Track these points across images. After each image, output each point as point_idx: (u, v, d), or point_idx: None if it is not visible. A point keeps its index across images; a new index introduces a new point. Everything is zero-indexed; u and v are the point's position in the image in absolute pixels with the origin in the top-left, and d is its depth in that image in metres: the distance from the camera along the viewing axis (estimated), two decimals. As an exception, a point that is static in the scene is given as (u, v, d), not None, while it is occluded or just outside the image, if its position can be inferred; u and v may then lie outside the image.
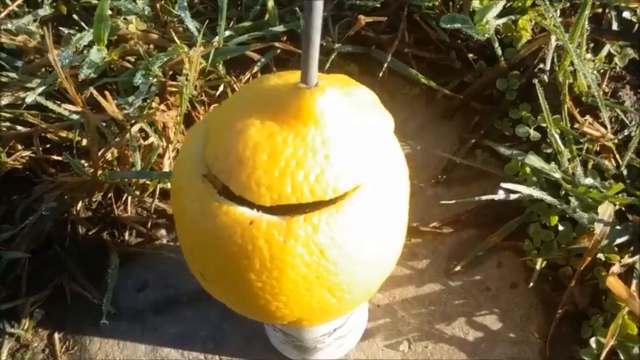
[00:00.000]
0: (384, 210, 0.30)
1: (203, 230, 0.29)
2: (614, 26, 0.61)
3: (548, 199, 0.50)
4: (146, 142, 0.56)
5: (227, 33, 0.61)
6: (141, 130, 0.56)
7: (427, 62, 0.63)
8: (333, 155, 0.28)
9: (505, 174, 0.55)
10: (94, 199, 0.56)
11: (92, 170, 0.53)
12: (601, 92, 0.54)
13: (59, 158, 0.57)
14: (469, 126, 0.60)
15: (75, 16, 0.65)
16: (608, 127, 0.54)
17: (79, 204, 0.56)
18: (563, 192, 0.52)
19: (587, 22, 0.55)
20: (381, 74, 0.61)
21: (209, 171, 0.29)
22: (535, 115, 0.56)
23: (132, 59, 0.62)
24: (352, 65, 0.64)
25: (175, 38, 0.59)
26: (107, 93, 0.52)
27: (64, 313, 0.52)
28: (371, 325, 0.51)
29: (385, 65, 0.61)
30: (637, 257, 0.48)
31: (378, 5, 0.63)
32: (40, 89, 0.57)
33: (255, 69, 0.62)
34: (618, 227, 0.49)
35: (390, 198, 0.30)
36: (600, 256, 0.49)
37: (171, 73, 0.61)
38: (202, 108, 0.61)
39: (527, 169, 0.53)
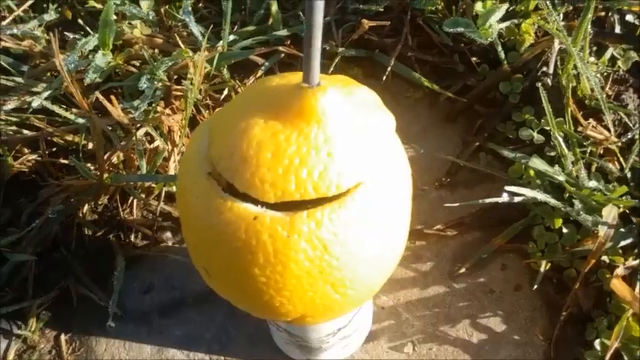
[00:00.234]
0: (386, 207, 0.30)
1: (207, 226, 0.29)
2: (617, 29, 0.61)
3: (552, 201, 0.50)
4: (152, 146, 0.57)
5: (231, 37, 0.62)
6: (146, 133, 0.56)
7: (430, 66, 0.63)
8: (335, 153, 0.28)
9: (509, 177, 0.55)
10: (100, 202, 0.57)
11: (98, 173, 0.53)
12: (604, 95, 0.54)
13: (65, 162, 0.57)
14: (472, 129, 0.60)
15: (80, 21, 0.66)
16: (612, 129, 0.54)
17: (85, 207, 0.56)
18: (567, 195, 0.52)
19: (590, 26, 0.55)
20: (384, 78, 0.61)
21: (214, 169, 0.29)
22: (538, 118, 0.56)
23: (137, 64, 0.63)
24: (356, 69, 0.65)
25: (180, 43, 0.60)
26: (113, 97, 0.53)
27: (71, 315, 0.53)
28: (375, 327, 0.51)
29: (389, 69, 0.61)
30: (641, 259, 0.49)
31: (382, 9, 0.64)
32: (46, 93, 0.57)
33: (259, 73, 0.63)
34: (622, 230, 0.50)
35: (392, 195, 0.31)
36: (604, 258, 0.49)
37: (176, 77, 0.61)
38: (207, 112, 0.61)
39: (531, 172, 0.54)
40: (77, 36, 0.64)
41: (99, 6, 0.65)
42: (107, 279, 0.53)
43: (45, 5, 0.67)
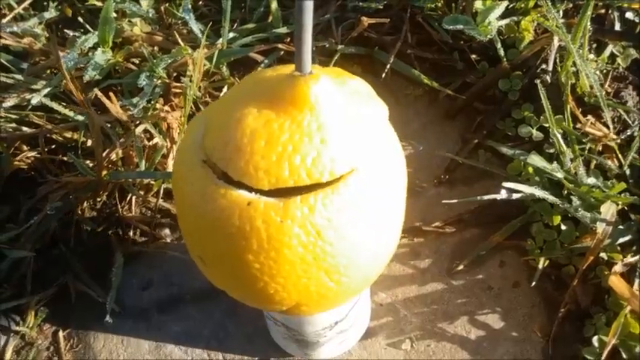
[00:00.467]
0: (380, 194, 0.31)
1: (202, 213, 0.30)
2: (617, 27, 0.61)
3: (551, 198, 0.50)
4: (150, 143, 0.57)
5: (231, 35, 0.62)
6: (145, 130, 0.56)
7: (430, 63, 0.64)
8: (328, 139, 0.29)
9: (508, 174, 0.55)
10: (98, 199, 0.57)
11: (97, 170, 0.53)
12: (603, 92, 0.55)
13: (64, 159, 0.57)
14: (472, 126, 0.60)
15: (80, 19, 0.66)
16: (611, 127, 0.54)
17: (84, 204, 0.57)
18: (566, 192, 0.52)
19: (589, 23, 0.55)
20: (384, 75, 0.61)
21: (208, 159, 0.30)
22: (537, 115, 0.56)
23: (136, 61, 0.63)
24: (355, 67, 0.65)
25: (179, 40, 0.60)
26: (111, 94, 0.53)
27: (69, 311, 0.53)
28: (373, 323, 0.51)
29: (388, 66, 0.61)
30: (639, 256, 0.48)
31: (381, 7, 0.64)
32: (46, 91, 0.57)
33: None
34: (621, 227, 0.50)
35: (385, 182, 0.31)
36: (603, 255, 0.49)
37: (175, 74, 0.61)
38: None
39: (530, 169, 0.54)
40: (77, 34, 0.64)
41: (99, 4, 0.66)
42: (106, 275, 0.54)
43: (45, 3, 0.68)
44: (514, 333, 0.50)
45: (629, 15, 0.62)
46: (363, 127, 0.30)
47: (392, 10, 0.65)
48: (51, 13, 0.66)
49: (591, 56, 0.59)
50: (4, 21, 0.65)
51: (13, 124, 0.59)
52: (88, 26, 0.65)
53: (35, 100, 0.56)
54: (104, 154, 0.55)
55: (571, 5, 0.63)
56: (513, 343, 0.50)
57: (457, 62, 0.62)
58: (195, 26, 0.62)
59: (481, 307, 0.52)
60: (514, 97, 0.59)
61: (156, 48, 0.63)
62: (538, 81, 0.54)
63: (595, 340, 0.47)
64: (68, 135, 0.58)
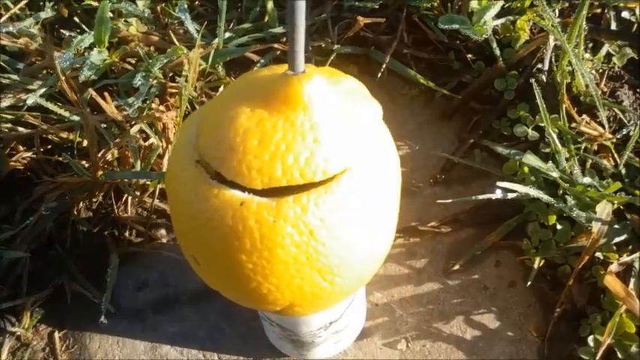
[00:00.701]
0: (373, 193, 0.30)
1: (195, 213, 0.29)
2: (613, 26, 0.61)
3: (546, 198, 0.50)
4: (146, 143, 0.57)
5: (227, 34, 0.62)
6: (141, 131, 0.56)
7: (426, 63, 0.63)
8: (322, 139, 0.28)
9: (503, 173, 0.55)
10: (94, 200, 0.57)
11: (92, 171, 0.53)
12: (599, 92, 0.54)
13: (60, 159, 0.57)
14: (468, 126, 0.60)
15: (76, 19, 0.65)
16: (606, 126, 0.54)
17: (80, 204, 0.56)
18: (561, 191, 0.52)
19: (585, 22, 0.55)
20: (379, 75, 0.61)
21: (202, 158, 0.29)
22: (533, 114, 0.56)
23: (132, 61, 0.63)
24: (352, 66, 0.64)
25: (175, 40, 0.60)
26: (106, 94, 0.53)
27: (65, 312, 0.53)
28: (369, 323, 0.51)
29: (384, 66, 0.61)
30: (635, 256, 0.48)
31: (377, 7, 0.63)
32: (41, 91, 0.57)
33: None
34: (616, 226, 0.49)
35: (379, 182, 0.31)
36: (598, 254, 0.49)
37: (171, 74, 0.61)
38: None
39: (526, 169, 0.54)
40: (73, 34, 0.64)
41: (95, 4, 0.65)
42: (101, 276, 0.53)
43: (41, 3, 0.67)
44: (510, 333, 0.50)
45: (625, 14, 0.62)
46: (357, 127, 0.30)
47: (388, 9, 0.65)
48: (47, 13, 0.65)
49: (587, 55, 0.59)
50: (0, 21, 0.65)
51: (9, 125, 0.59)
52: (84, 26, 0.64)
53: (31, 100, 0.56)
54: (99, 155, 0.55)
55: (567, 4, 0.62)
56: (509, 342, 0.50)
57: (453, 62, 0.62)
58: (191, 26, 0.61)
59: (477, 307, 0.51)
60: (510, 97, 0.58)
61: (152, 48, 0.63)
62: (533, 80, 0.54)
63: (590, 339, 0.47)
64: (64, 135, 0.58)
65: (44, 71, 0.62)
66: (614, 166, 0.53)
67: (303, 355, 0.49)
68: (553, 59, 0.58)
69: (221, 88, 0.62)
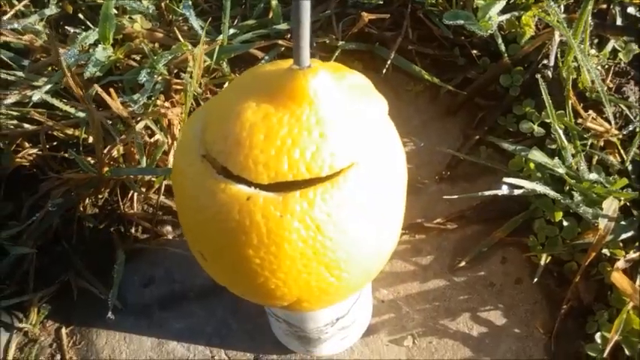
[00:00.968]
0: (380, 188, 0.30)
1: (202, 207, 0.29)
2: (619, 22, 0.60)
3: (552, 194, 0.49)
4: (151, 140, 0.56)
5: (231, 31, 0.61)
6: (146, 127, 0.56)
7: (431, 59, 0.63)
8: (328, 133, 0.28)
9: (509, 170, 0.54)
10: (100, 196, 0.56)
11: (98, 167, 0.53)
12: (605, 87, 0.54)
13: (66, 155, 0.57)
14: (473, 122, 0.59)
15: (81, 16, 0.65)
16: (613, 122, 0.53)
17: (86, 200, 0.56)
18: (568, 187, 0.51)
19: (590, 18, 0.54)
20: (384, 71, 0.61)
21: (208, 153, 0.29)
22: (539, 110, 0.56)
23: (137, 57, 0.62)
24: (356, 63, 0.64)
25: (180, 37, 0.59)
26: (112, 90, 0.53)
27: (71, 308, 0.53)
28: (375, 320, 0.51)
29: (389, 62, 0.61)
30: (642, 252, 0.48)
31: (381, 2, 0.63)
32: (47, 87, 0.57)
33: (260, 66, 0.62)
34: (623, 222, 0.49)
35: (385, 177, 0.31)
36: (605, 251, 0.49)
37: (176, 71, 0.61)
38: (207, 105, 0.61)
39: (532, 165, 0.53)
40: (78, 30, 0.63)
41: (100, 0, 0.65)
42: (108, 272, 0.53)
43: (45, 0, 0.67)
44: (516, 330, 0.50)
45: (630, 10, 0.61)
46: (363, 122, 0.30)
47: (392, 5, 0.64)
48: (51, 10, 0.65)
49: (593, 51, 0.58)
50: (4, 18, 0.64)
51: (15, 121, 0.58)
52: (89, 23, 0.64)
53: (36, 96, 0.55)
54: (105, 151, 0.54)
55: (572, 0, 0.62)
56: (516, 339, 0.50)
57: (458, 58, 0.62)
58: (196, 22, 0.61)
59: (483, 304, 0.51)
60: (515, 93, 0.58)
61: (157, 45, 0.63)
62: (539, 76, 0.53)
63: (598, 336, 0.47)
64: (69, 132, 0.57)
65: (49, 68, 0.62)
66: (621, 163, 0.52)
67: (310, 351, 0.48)
68: (559, 55, 0.57)
69: (226, 84, 0.62)
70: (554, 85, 0.55)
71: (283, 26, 0.63)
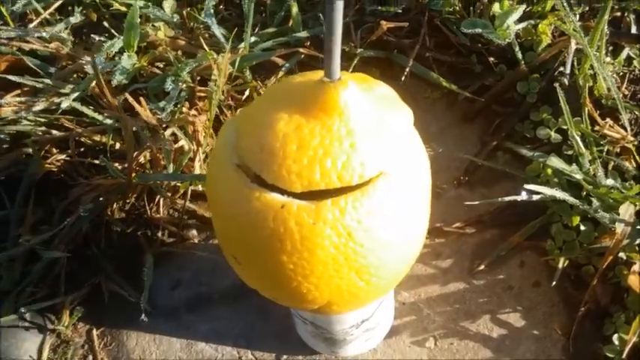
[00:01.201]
0: (408, 196, 0.32)
1: (237, 215, 0.31)
2: (633, 29, 0.62)
3: (570, 199, 0.51)
4: (176, 146, 0.58)
5: (252, 39, 0.63)
6: (171, 133, 0.57)
7: (448, 66, 0.64)
8: (357, 144, 0.29)
9: (526, 175, 0.56)
10: (127, 201, 0.58)
11: (127, 173, 0.54)
12: (620, 95, 0.55)
13: (94, 161, 0.58)
14: (490, 128, 0.61)
15: (105, 24, 0.67)
16: (628, 129, 0.55)
17: (114, 205, 0.58)
18: (585, 193, 0.53)
19: (606, 26, 0.56)
20: (403, 78, 0.62)
21: (242, 162, 0.31)
22: (556, 117, 0.57)
23: (160, 65, 0.64)
24: (374, 70, 0.65)
25: (204, 45, 0.61)
26: (142, 99, 0.54)
27: (102, 310, 0.54)
28: (397, 322, 0.53)
29: (407, 69, 0.62)
30: (657, 256, 0.49)
31: (400, 11, 0.64)
32: (75, 95, 0.58)
33: (280, 74, 0.64)
34: (639, 227, 0.50)
35: (412, 185, 0.32)
36: (622, 255, 0.50)
37: (199, 78, 0.62)
38: (229, 112, 0.62)
39: (549, 171, 0.55)
40: (102, 38, 0.65)
41: (123, 9, 0.66)
42: (136, 275, 0.55)
43: (70, 8, 0.68)
44: (535, 331, 0.51)
45: (645, 18, 0.62)
46: (391, 132, 0.31)
47: (410, 13, 0.66)
48: (76, 18, 0.66)
49: (608, 59, 0.60)
50: (30, 26, 0.66)
51: (43, 128, 0.60)
52: (113, 31, 0.66)
53: (65, 103, 0.57)
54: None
55: (587, 8, 0.63)
56: (534, 341, 0.51)
57: (475, 65, 0.63)
58: (218, 31, 0.62)
59: (502, 306, 0.53)
60: (532, 100, 0.59)
61: (179, 52, 0.64)
62: (557, 84, 0.55)
63: (615, 338, 0.48)
64: (97, 138, 0.59)
65: (75, 75, 0.63)
66: (636, 168, 0.54)
67: (335, 352, 0.50)
68: (575, 62, 0.59)
69: (247, 92, 0.63)
70: (570, 93, 0.57)
71: (303, 34, 0.64)
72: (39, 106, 0.60)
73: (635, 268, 0.49)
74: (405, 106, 0.34)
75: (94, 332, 0.54)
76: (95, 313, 0.54)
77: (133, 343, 0.53)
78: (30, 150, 0.58)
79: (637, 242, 0.50)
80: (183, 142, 0.58)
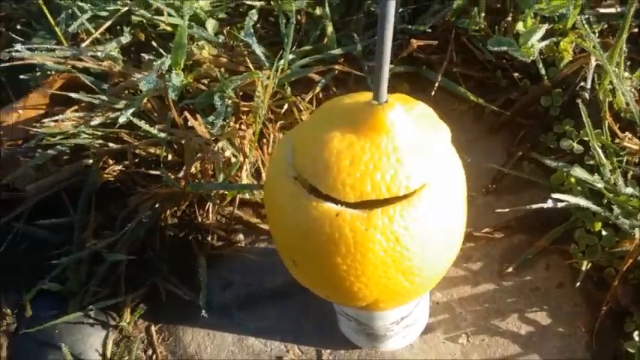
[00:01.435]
0: (447, 204, 0.36)
1: (296, 223, 0.35)
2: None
3: (593, 207, 0.55)
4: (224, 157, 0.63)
5: (290, 56, 0.68)
6: (221, 146, 0.62)
7: (475, 81, 0.69)
8: (403, 158, 0.33)
9: (551, 184, 0.60)
10: (180, 208, 0.63)
11: (181, 182, 0.59)
12: (638, 108, 0.59)
13: (149, 172, 0.63)
14: (515, 140, 0.65)
15: (153, 43, 0.72)
16: (646, 140, 0.59)
17: (167, 212, 0.63)
18: (606, 200, 0.57)
19: (624, 44, 0.60)
20: (433, 92, 0.67)
21: (299, 175, 0.35)
22: (578, 129, 0.61)
23: (205, 82, 0.69)
24: (405, 84, 0.70)
25: (249, 64, 0.66)
26: (198, 116, 0.59)
27: (159, 308, 0.60)
28: (432, 320, 0.57)
29: (437, 84, 0.66)
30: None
31: (429, 30, 0.69)
32: (131, 110, 0.63)
33: (317, 89, 0.68)
34: (657, 232, 0.55)
35: (451, 195, 0.37)
36: (641, 258, 0.54)
37: (241, 93, 0.67)
38: (270, 124, 0.67)
39: (572, 180, 0.59)
40: (151, 57, 0.70)
41: (169, 29, 0.71)
42: (189, 276, 0.60)
43: (118, 27, 0.74)
44: (560, 329, 0.56)
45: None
46: (432, 148, 0.36)
47: (437, 31, 0.70)
48: (126, 38, 0.71)
49: (626, 74, 0.64)
50: (83, 45, 0.71)
51: (100, 141, 0.65)
52: (161, 50, 0.71)
53: (122, 118, 0.62)
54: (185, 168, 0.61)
55: (606, 25, 0.67)
56: (560, 338, 0.55)
57: (500, 80, 0.67)
58: (259, 50, 0.67)
59: (530, 306, 0.57)
60: (555, 113, 0.64)
61: (222, 69, 0.69)
62: (579, 100, 0.59)
63: (636, 334, 0.52)
64: (151, 150, 0.64)
65: (126, 91, 0.69)
66: (654, 178, 0.58)
67: (376, 347, 0.55)
68: (595, 78, 0.63)
69: (285, 106, 0.68)
70: (591, 106, 0.61)
71: (337, 51, 0.69)
72: (96, 120, 0.65)
73: (653, 270, 0.53)
74: (442, 123, 0.38)
75: (153, 328, 0.59)
76: (153, 311, 0.59)
77: (189, 338, 0.58)
78: (90, 161, 0.64)
79: (655, 246, 0.54)
80: (228, 153, 0.63)
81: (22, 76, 0.71)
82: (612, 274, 0.56)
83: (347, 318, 0.51)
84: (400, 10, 0.71)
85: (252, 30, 0.68)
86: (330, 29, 0.69)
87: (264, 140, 0.67)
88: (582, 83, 0.64)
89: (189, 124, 0.60)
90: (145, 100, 0.65)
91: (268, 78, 0.64)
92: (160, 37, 0.73)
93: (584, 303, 0.57)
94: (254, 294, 0.59)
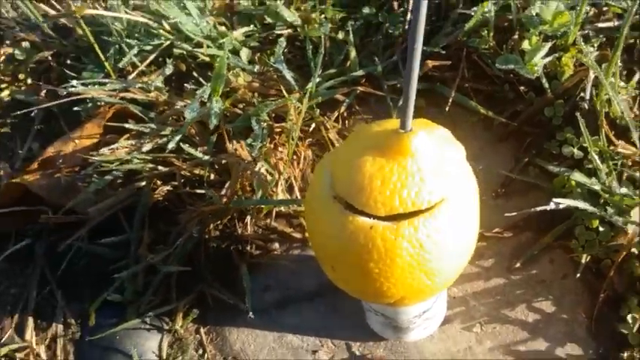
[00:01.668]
0: (464, 215, 0.43)
1: (335, 235, 0.42)
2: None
3: (591, 209, 0.63)
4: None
5: (317, 79, 0.78)
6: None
7: (484, 94, 0.78)
8: (425, 177, 0.40)
9: (554, 187, 0.69)
10: (221, 222, 0.74)
11: (224, 199, 0.70)
12: (632, 115, 0.68)
13: (195, 191, 0.74)
14: (522, 147, 0.74)
15: (194, 73, 0.82)
16: (638, 145, 0.67)
17: (210, 226, 0.73)
18: (602, 200, 0.66)
19: (619, 59, 0.69)
20: (447, 107, 0.76)
21: (337, 194, 0.42)
22: (578, 137, 0.70)
23: (240, 106, 0.79)
24: (420, 100, 0.79)
25: (282, 89, 0.76)
26: (242, 142, 0.70)
27: (207, 312, 0.70)
28: (449, 312, 0.67)
29: (450, 99, 0.76)
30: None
31: (444, 52, 0.78)
32: (178, 137, 0.74)
33: (342, 109, 0.79)
34: (648, 227, 0.63)
35: (467, 207, 0.44)
36: (634, 250, 0.62)
37: (274, 115, 0.77)
38: (300, 142, 0.77)
39: (573, 183, 0.67)
40: (192, 86, 0.81)
41: (207, 59, 0.82)
42: (232, 283, 0.70)
43: (161, 59, 0.85)
44: (564, 315, 0.65)
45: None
46: (450, 166, 0.43)
47: (450, 49, 0.79)
48: (169, 69, 0.82)
49: (622, 83, 0.72)
50: (130, 77, 0.82)
51: (150, 165, 0.76)
52: (200, 79, 0.81)
53: (172, 144, 0.73)
54: (226, 186, 0.72)
55: (604, 39, 0.76)
56: (564, 323, 0.64)
57: (508, 93, 0.76)
58: (289, 75, 0.77)
59: (536, 296, 0.66)
60: (558, 122, 0.72)
61: (255, 94, 0.79)
62: (578, 113, 0.67)
63: (629, 317, 0.61)
64: (195, 171, 0.75)
65: (170, 118, 0.79)
66: (647, 178, 0.67)
67: (400, 337, 0.64)
68: (593, 91, 0.71)
69: (313, 125, 0.78)
70: (590, 116, 0.70)
71: (360, 73, 0.79)
72: (146, 147, 0.76)
73: (645, 261, 0.62)
74: (458, 143, 0.47)
75: (202, 330, 0.69)
76: (201, 315, 0.70)
77: (235, 338, 0.69)
78: (142, 184, 0.75)
79: (646, 240, 0.63)
80: (263, 170, 0.73)
81: (75, 108, 0.81)
82: (609, 265, 0.64)
83: (374, 313, 0.61)
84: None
85: (282, 57, 0.78)
86: (353, 54, 0.79)
87: (295, 157, 0.77)
88: (582, 94, 0.72)
89: (232, 147, 0.70)
90: (223, 133, 0.75)
91: (299, 101, 0.74)
92: (199, 66, 0.84)
93: (584, 292, 0.65)
94: (290, 296, 0.70)
